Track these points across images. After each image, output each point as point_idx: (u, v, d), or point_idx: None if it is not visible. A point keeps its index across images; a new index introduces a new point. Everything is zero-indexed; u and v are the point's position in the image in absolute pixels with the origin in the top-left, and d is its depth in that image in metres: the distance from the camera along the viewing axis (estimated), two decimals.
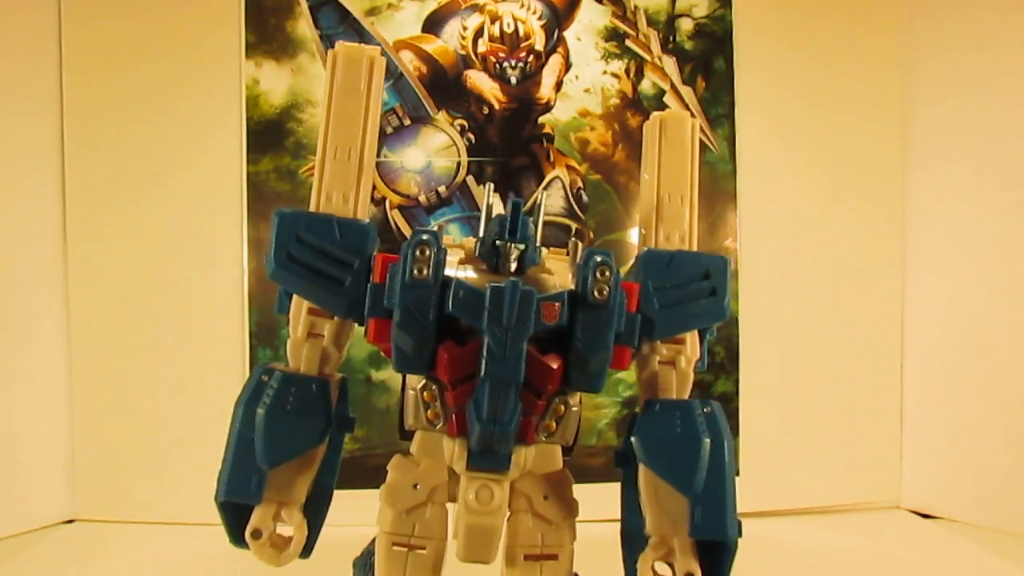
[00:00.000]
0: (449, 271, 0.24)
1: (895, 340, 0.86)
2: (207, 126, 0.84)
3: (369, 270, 0.24)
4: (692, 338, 0.26)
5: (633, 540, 0.25)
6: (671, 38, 0.87)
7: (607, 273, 0.23)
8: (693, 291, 0.25)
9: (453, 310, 0.23)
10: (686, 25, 0.87)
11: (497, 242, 0.24)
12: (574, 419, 0.25)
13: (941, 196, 0.85)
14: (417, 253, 0.23)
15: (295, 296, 0.26)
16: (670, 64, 0.86)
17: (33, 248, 0.81)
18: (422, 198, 0.84)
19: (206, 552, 0.73)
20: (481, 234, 0.25)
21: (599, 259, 0.23)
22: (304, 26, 0.84)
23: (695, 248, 0.26)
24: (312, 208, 0.25)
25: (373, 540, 0.28)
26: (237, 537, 0.25)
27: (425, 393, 0.24)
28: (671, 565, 0.24)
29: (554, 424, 0.25)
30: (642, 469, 0.25)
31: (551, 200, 0.85)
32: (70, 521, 0.82)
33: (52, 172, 0.82)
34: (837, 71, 0.86)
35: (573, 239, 0.28)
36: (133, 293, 0.82)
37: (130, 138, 0.83)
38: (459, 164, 0.85)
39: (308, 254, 0.24)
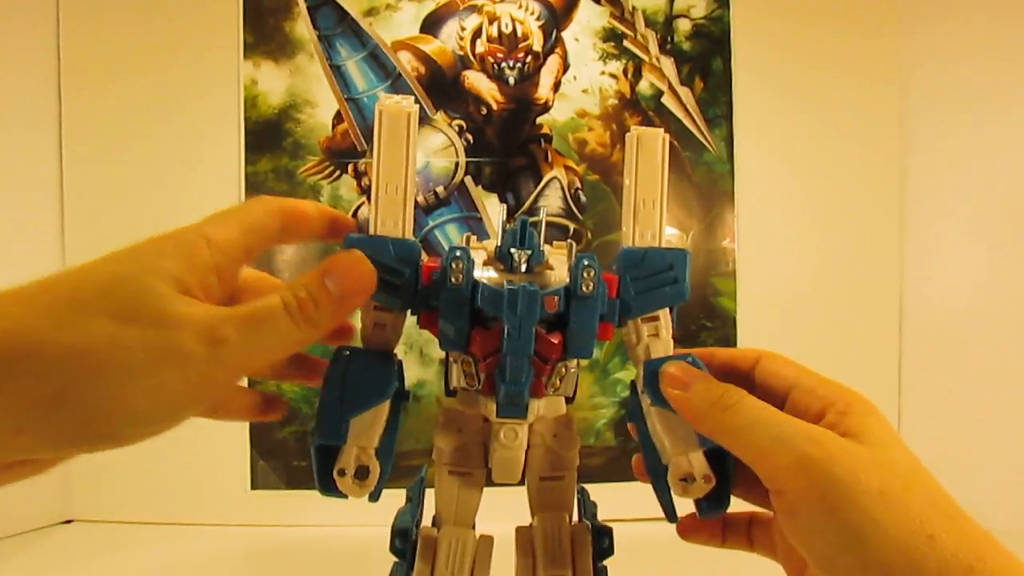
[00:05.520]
0: (476, 272, 0.32)
1: (893, 340, 0.87)
2: (205, 126, 0.85)
3: (418, 277, 0.33)
4: (664, 314, 0.35)
5: (656, 472, 0.34)
6: (669, 39, 0.87)
7: (592, 273, 0.31)
8: (660, 279, 0.34)
9: (481, 305, 0.31)
10: (684, 26, 0.87)
11: (511, 249, 0.33)
12: (573, 377, 0.34)
13: (939, 195, 0.85)
14: (453, 266, 0.31)
15: None
16: (668, 65, 0.87)
17: (31, 248, 0.82)
18: (420, 198, 0.84)
19: (204, 552, 0.74)
20: (499, 243, 0.34)
21: (586, 263, 0.32)
22: (302, 26, 0.85)
23: (661, 244, 0.34)
24: (371, 231, 0.33)
25: (422, 468, 0.38)
26: (324, 482, 0.32)
27: (464, 364, 0.33)
28: (691, 476, 0.32)
29: (558, 382, 0.34)
30: (655, 410, 0.33)
31: (549, 200, 0.85)
32: (68, 521, 0.83)
33: (50, 173, 0.83)
34: (835, 71, 0.87)
35: (569, 240, 0.36)
36: None
37: (128, 138, 0.85)
38: (457, 164, 0.85)
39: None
